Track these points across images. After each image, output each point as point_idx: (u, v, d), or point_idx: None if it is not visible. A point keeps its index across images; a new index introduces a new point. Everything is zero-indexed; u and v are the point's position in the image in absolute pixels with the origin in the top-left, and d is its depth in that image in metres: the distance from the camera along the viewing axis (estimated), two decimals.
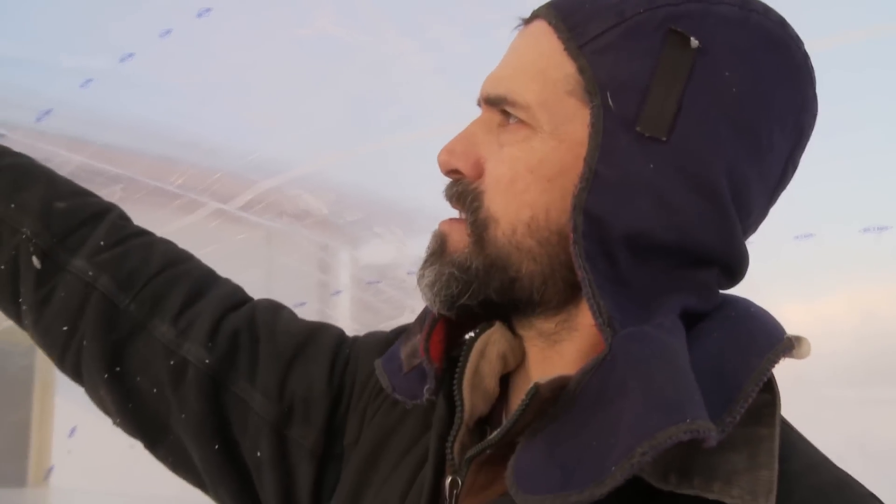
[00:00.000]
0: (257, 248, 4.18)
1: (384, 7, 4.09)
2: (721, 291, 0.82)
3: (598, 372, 0.71)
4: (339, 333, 1.06)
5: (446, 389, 0.85)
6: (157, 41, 3.71)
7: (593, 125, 0.75)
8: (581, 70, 0.76)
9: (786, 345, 0.72)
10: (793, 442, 0.74)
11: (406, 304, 5.01)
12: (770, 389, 0.72)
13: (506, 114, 0.81)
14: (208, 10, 3.82)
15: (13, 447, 4.78)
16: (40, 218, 1.05)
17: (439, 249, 0.82)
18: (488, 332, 0.85)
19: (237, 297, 1.09)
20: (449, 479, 0.80)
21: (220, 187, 3.92)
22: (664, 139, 0.73)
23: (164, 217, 4.01)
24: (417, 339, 0.88)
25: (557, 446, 0.69)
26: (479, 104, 0.86)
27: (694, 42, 0.73)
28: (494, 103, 0.82)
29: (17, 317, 1.09)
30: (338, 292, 4.65)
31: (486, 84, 0.83)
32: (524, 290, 0.79)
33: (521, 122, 0.80)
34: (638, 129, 0.73)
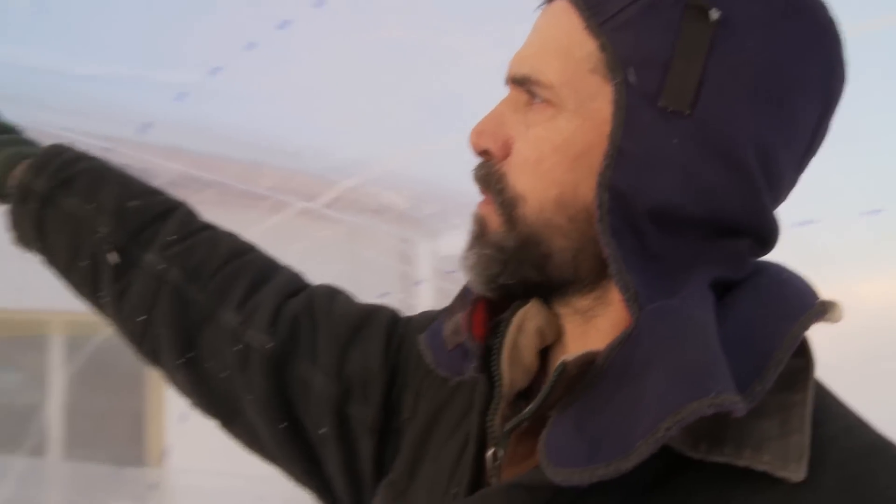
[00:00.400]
0: (341, 243, 4.39)
1: (452, 8, 4.28)
2: (757, 259, 0.81)
3: (625, 347, 0.71)
4: (393, 314, 1.07)
5: (487, 365, 0.85)
6: (242, 54, 3.96)
7: (616, 102, 0.74)
8: (602, 47, 0.75)
9: (818, 309, 0.71)
10: (828, 406, 0.72)
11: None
12: (804, 354, 0.72)
13: (531, 93, 0.79)
14: (288, 22, 4.08)
15: (131, 432, 5.22)
16: (115, 217, 1.10)
17: (479, 232, 0.81)
18: (525, 308, 0.85)
19: (296, 284, 1.12)
20: (490, 451, 0.82)
21: (305, 188, 4.14)
22: (687, 113, 0.73)
23: (254, 218, 4.26)
24: (460, 318, 0.88)
25: (585, 420, 0.70)
26: (506, 83, 0.84)
27: (713, 14, 0.72)
28: (520, 83, 0.80)
29: (99, 309, 1.15)
30: (419, 282, 4.84)
31: (512, 64, 0.82)
32: (558, 266, 0.78)
33: (545, 101, 0.78)
34: (660, 104, 0.73)
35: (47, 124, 4.18)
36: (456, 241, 4.83)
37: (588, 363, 0.73)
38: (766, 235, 0.78)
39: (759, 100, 0.73)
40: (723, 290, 0.73)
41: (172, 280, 1.07)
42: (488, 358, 0.84)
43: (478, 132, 0.81)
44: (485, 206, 0.81)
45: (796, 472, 0.62)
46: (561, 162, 0.76)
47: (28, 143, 1.18)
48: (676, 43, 0.72)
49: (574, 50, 0.75)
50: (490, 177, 0.80)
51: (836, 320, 0.72)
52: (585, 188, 0.75)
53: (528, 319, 0.84)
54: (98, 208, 1.09)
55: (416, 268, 4.88)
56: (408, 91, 4.15)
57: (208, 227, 1.14)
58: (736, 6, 0.72)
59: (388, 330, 1.02)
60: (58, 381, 5.09)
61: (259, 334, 1.03)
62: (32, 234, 1.13)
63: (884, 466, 0.66)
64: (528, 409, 0.74)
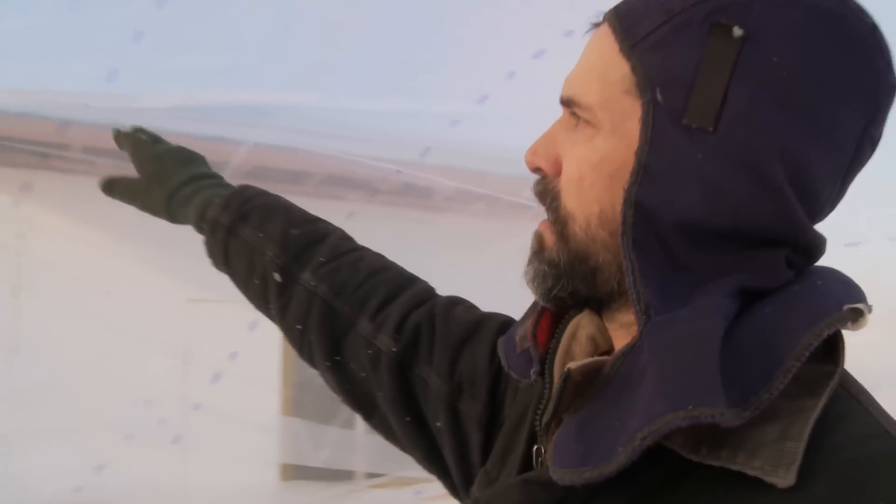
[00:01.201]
0: None
1: None
2: (808, 266, 0.80)
3: (628, 357, 0.73)
4: (505, 321, 1.11)
5: (546, 370, 0.90)
6: (504, 83, 4.44)
7: (643, 120, 0.75)
8: (633, 69, 0.76)
9: (839, 316, 0.68)
10: (850, 413, 0.69)
11: None
12: (833, 360, 0.70)
13: (575, 115, 0.82)
14: (542, 51, 4.57)
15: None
16: (279, 243, 1.24)
17: (537, 248, 0.85)
18: (578, 317, 0.88)
19: (423, 297, 1.20)
20: (535, 448, 0.86)
21: None
22: (711, 129, 0.73)
23: (522, 226, 4.79)
24: (528, 325, 0.92)
25: (585, 425, 0.72)
26: (560, 104, 0.87)
27: (737, 32, 0.72)
28: (566, 104, 0.82)
29: (271, 318, 1.30)
30: None
31: (563, 86, 0.84)
32: (605, 280, 0.80)
33: (586, 122, 0.80)
34: (684, 121, 0.73)
35: (348, 152, 5.04)
36: None
37: (595, 370, 0.76)
38: (807, 245, 0.77)
39: (789, 112, 0.73)
40: (754, 298, 0.73)
41: (322, 295, 1.20)
42: (548, 363, 0.89)
43: (532, 151, 0.85)
44: (543, 224, 0.84)
45: (784, 478, 0.61)
46: (599, 180, 0.78)
47: (224, 186, 1.35)
48: (701, 61, 0.73)
49: (610, 72, 0.78)
50: (546, 193, 0.83)
51: (858, 328, 0.70)
52: (621, 205, 0.76)
53: (580, 328, 0.87)
54: (266, 236, 1.24)
55: None
56: None
57: (356, 250, 1.26)
58: (763, 22, 0.72)
59: (496, 335, 1.06)
60: None
61: (387, 340, 1.13)
62: (221, 259, 1.30)
63: (885, 480, 0.62)
64: (548, 409, 0.79)
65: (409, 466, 1.22)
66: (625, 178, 0.75)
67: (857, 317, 0.68)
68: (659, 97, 0.73)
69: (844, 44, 0.73)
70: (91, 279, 5.12)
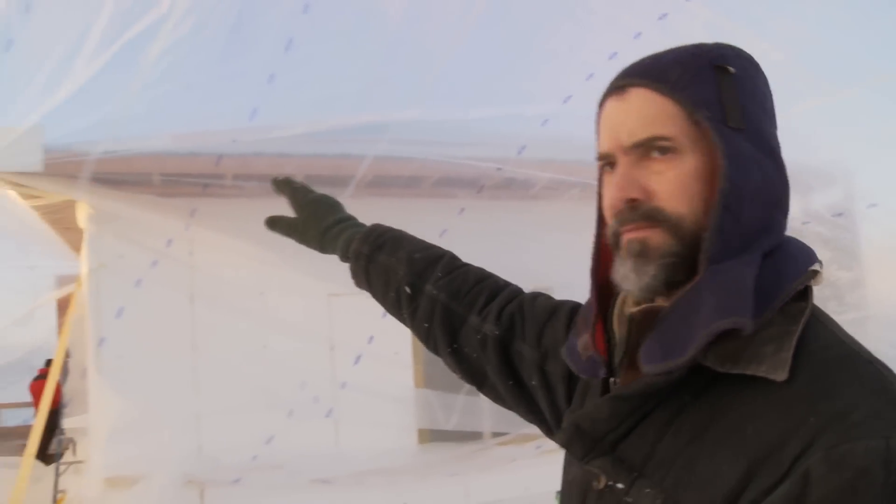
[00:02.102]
0: None
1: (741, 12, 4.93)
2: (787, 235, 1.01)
3: (689, 293, 0.96)
4: (573, 306, 1.32)
5: (610, 355, 1.10)
6: (585, 84, 4.80)
7: (712, 129, 0.95)
8: (678, 103, 0.97)
9: (808, 275, 0.95)
10: (818, 332, 0.92)
11: None
12: (805, 299, 0.94)
13: (656, 148, 0.97)
14: (615, 53, 4.96)
15: None
16: (407, 264, 1.48)
17: (643, 250, 0.99)
18: (620, 297, 1.12)
19: (513, 294, 1.42)
20: (612, 380, 1.07)
21: None
22: (744, 128, 0.96)
23: None
24: (587, 337, 1.10)
25: (663, 336, 0.95)
26: (604, 159, 1.03)
27: (731, 69, 0.98)
28: (643, 145, 0.98)
29: (403, 321, 1.53)
30: None
31: (623, 137, 1.00)
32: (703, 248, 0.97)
33: (671, 150, 0.97)
34: (730, 124, 0.96)
35: (455, 156, 5.53)
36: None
37: (652, 313, 1.00)
38: (788, 204, 1.02)
39: (765, 110, 1.01)
40: (767, 254, 0.95)
41: (442, 301, 1.43)
42: (611, 354, 1.10)
43: (623, 190, 0.99)
44: (641, 232, 0.99)
45: (781, 375, 0.86)
46: (696, 183, 0.96)
47: (360, 225, 1.60)
48: (719, 88, 0.97)
49: (668, 110, 0.97)
50: (649, 212, 0.98)
51: (818, 284, 0.97)
52: (709, 192, 0.95)
53: (626, 299, 1.10)
54: (397, 260, 1.49)
55: None
56: None
57: (463, 266, 1.50)
58: (739, 64, 1.00)
59: (569, 315, 1.30)
60: None
61: (491, 327, 1.36)
62: (363, 279, 1.55)
63: (840, 370, 0.87)
64: (619, 350, 1.06)
65: (528, 425, 1.38)
66: (708, 175, 0.96)
67: (815, 275, 0.96)
68: (707, 113, 0.95)
69: (761, 74, 1.04)
70: (248, 283, 5.76)
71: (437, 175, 5.82)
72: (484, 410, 6.09)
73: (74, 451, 8.60)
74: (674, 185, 0.97)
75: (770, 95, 1.03)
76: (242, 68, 4.93)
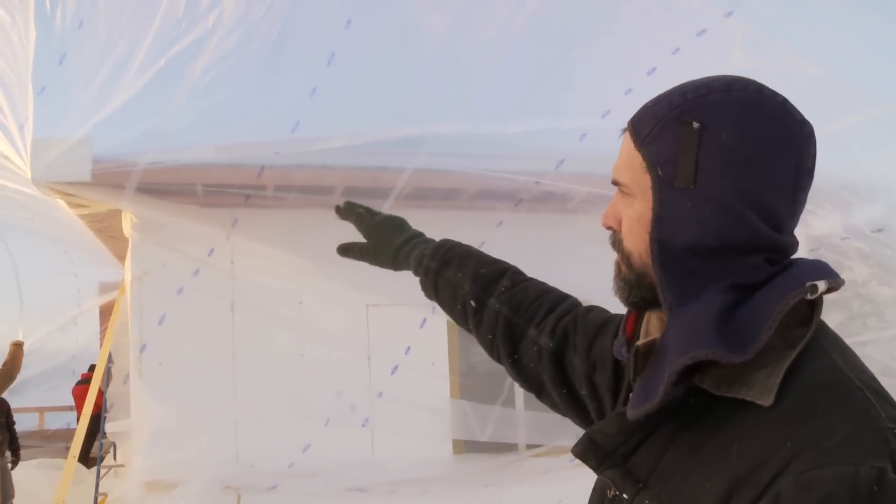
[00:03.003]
0: None
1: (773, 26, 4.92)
2: (794, 257, 1.04)
3: (663, 338, 1.04)
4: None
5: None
6: (623, 98, 4.93)
7: (653, 187, 1.03)
8: (643, 157, 1.04)
9: (801, 290, 0.94)
10: (816, 357, 0.95)
11: (844, 264, 5.70)
12: (808, 324, 0.97)
13: (621, 190, 1.10)
14: (654, 69, 5.00)
15: None
16: (473, 279, 1.54)
17: (617, 272, 1.13)
18: (648, 313, 1.19)
19: (569, 308, 1.46)
20: (630, 394, 1.09)
21: None
22: (692, 187, 1.00)
23: None
24: (622, 324, 1.24)
25: (645, 381, 1.03)
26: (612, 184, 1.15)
27: (695, 125, 1.00)
28: (615, 184, 1.11)
29: (469, 331, 1.59)
30: None
31: (613, 172, 1.12)
32: (655, 291, 1.06)
33: (627, 194, 1.08)
34: (676, 184, 1.01)
35: (493, 169, 5.56)
36: (814, 223, 5.29)
37: (653, 345, 1.09)
38: (780, 248, 1.03)
39: (738, 166, 0.99)
40: (745, 290, 0.99)
41: (504, 314, 1.49)
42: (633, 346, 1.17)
43: (604, 216, 1.14)
44: (617, 259, 1.13)
45: (767, 400, 0.90)
46: (640, 228, 1.06)
47: (429, 241, 1.67)
48: (679, 145, 1.01)
49: (633, 161, 1.07)
50: (617, 243, 1.12)
51: (812, 296, 0.95)
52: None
53: (650, 319, 1.18)
54: (464, 275, 1.56)
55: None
56: None
57: (526, 280, 1.56)
58: (711, 116, 1.01)
59: (616, 329, 1.34)
60: None
61: (546, 339, 1.43)
62: (432, 292, 1.62)
63: (825, 395, 0.90)
64: (630, 371, 1.14)
65: (563, 437, 1.49)
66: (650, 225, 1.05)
67: (814, 290, 0.94)
68: (659, 172, 1.03)
69: (763, 117, 1.01)
70: (287, 292, 5.85)
71: (475, 188, 5.83)
72: (519, 422, 6.14)
73: (115, 455, 8.76)
74: (627, 224, 1.09)
75: (758, 140, 1.01)
76: (285, 82, 5.01)
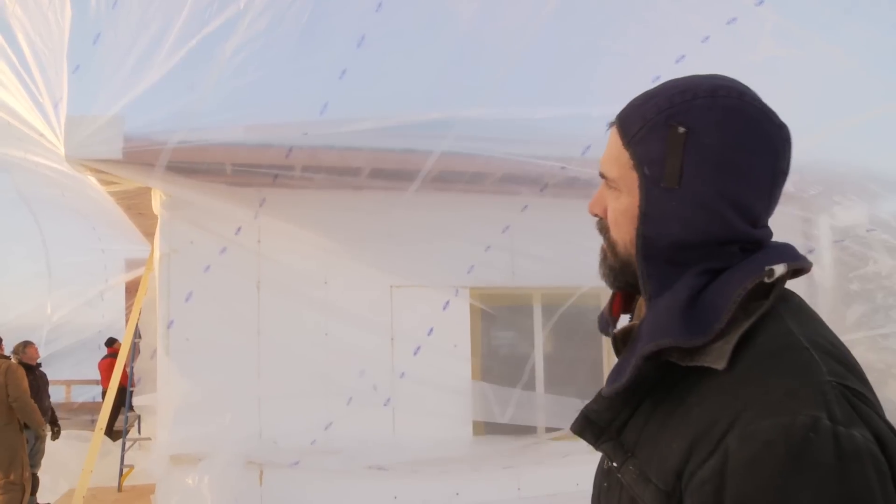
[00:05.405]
0: None
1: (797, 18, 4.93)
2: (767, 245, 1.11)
3: (641, 324, 1.11)
4: None
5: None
6: (651, 85, 4.84)
7: (640, 186, 1.09)
8: (631, 155, 1.10)
9: (759, 274, 1.02)
10: (772, 324, 1.01)
11: (869, 256, 5.63)
12: (766, 298, 1.03)
13: (607, 183, 1.16)
14: (682, 56, 5.02)
15: (592, 373, 6.41)
16: None
17: (603, 258, 1.20)
18: (641, 297, 1.26)
19: None
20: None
21: None
22: (677, 187, 1.06)
23: None
24: (607, 303, 1.30)
25: (619, 364, 1.12)
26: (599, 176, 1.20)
27: (681, 129, 1.05)
28: (602, 177, 1.17)
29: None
30: (812, 250, 5.39)
31: (600, 165, 1.17)
32: (637, 279, 1.14)
33: (614, 188, 1.14)
34: (662, 184, 1.07)
35: (520, 154, 5.60)
36: (840, 215, 5.31)
37: (630, 331, 1.18)
38: (753, 240, 1.09)
39: (720, 169, 1.06)
40: (715, 273, 1.07)
41: None
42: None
43: (591, 204, 1.21)
44: (603, 245, 1.19)
45: (721, 364, 0.98)
46: (625, 221, 1.13)
47: None
48: (666, 146, 1.06)
49: (620, 157, 1.12)
50: (604, 230, 1.19)
51: (769, 279, 1.03)
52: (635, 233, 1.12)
53: (640, 304, 1.27)
54: None
55: (811, 239, 5.41)
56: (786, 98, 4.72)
57: None
58: (697, 120, 1.06)
59: None
60: (540, 336, 6.45)
61: None
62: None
63: (774, 356, 0.97)
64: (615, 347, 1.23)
65: None
66: (637, 220, 1.11)
67: (771, 274, 1.02)
68: (646, 172, 1.08)
69: (744, 122, 1.06)
70: (313, 272, 5.93)
71: (501, 172, 5.87)
72: (538, 406, 6.20)
73: (139, 429, 8.92)
74: (613, 215, 1.14)
75: (740, 145, 1.06)
76: (315, 64, 5.08)
